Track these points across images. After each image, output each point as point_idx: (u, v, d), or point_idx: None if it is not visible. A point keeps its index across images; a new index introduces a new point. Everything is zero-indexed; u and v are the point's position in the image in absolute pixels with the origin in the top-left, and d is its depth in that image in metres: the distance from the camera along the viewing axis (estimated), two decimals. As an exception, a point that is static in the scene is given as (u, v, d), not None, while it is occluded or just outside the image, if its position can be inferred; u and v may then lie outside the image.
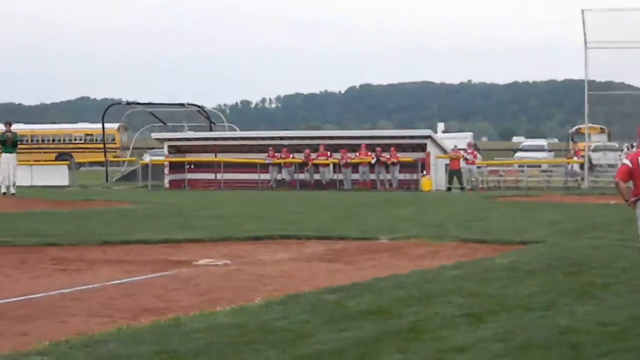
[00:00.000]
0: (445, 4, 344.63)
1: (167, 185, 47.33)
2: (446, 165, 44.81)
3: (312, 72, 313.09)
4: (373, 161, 44.73)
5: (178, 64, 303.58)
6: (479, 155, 48.47)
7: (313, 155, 45.76)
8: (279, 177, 46.72)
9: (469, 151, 45.83)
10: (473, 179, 45.23)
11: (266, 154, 46.66)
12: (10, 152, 36.61)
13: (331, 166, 45.77)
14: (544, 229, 22.46)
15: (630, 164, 13.11)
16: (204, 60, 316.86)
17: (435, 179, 44.07)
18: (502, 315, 11.09)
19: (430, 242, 20.36)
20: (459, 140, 53.86)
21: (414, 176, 44.58)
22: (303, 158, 45.95)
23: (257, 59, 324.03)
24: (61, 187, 46.51)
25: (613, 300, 12.15)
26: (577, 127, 65.47)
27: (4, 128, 38.92)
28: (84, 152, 72.89)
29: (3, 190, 36.17)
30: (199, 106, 62.36)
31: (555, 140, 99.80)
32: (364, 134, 54.31)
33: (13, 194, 36.20)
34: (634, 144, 55.58)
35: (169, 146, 49.53)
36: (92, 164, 65.94)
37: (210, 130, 57.72)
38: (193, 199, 36.85)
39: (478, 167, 46.69)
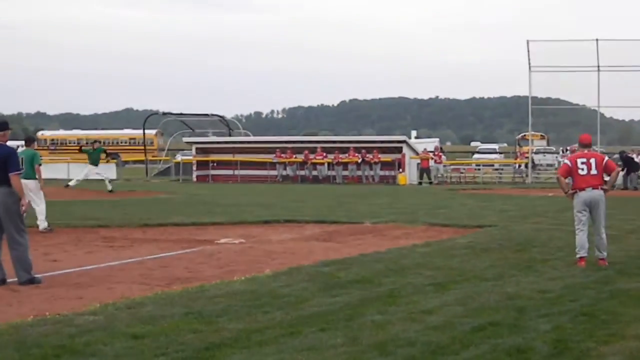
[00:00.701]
0: (419, 35, 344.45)
1: (194, 179, 47.22)
2: (417, 164, 44.70)
3: (311, 89, 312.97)
4: (359, 161, 44.67)
5: (204, 82, 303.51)
6: (444, 156, 48.41)
7: (311, 156, 45.71)
8: (284, 173, 46.66)
9: (437, 153, 45.81)
10: (439, 175, 45.16)
11: (274, 155, 46.60)
12: (95, 165, 35.10)
13: (326, 164, 45.69)
14: (496, 216, 22.44)
15: (569, 164, 13.36)
16: (225, 78, 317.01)
17: (409, 175, 44.00)
18: (462, 284, 11.09)
19: (405, 225, 20.34)
20: (428, 144, 53.81)
21: (392, 173, 44.53)
22: (303, 158, 45.90)
23: (267, 78, 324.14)
24: (110, 180, 46.41)
25: (551, 273, 12.15)
26: (522, 134, 65.30)
27: (92, 146, 37.23)
28: (128, 152, 72.68)
29: (110, 187, 34.34)
30: (220, 116, 62.15)
31: (505, 144, 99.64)
32: (352, 139, 54.25)
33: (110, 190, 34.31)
34: (568, 148, 55.67)
35: (196, 148, 49.46)
36: (135, 162, 65.73)
37: (229, 135, 57.58)
38: (215, 190, 36.80)
39: (444, 166, 46.68)
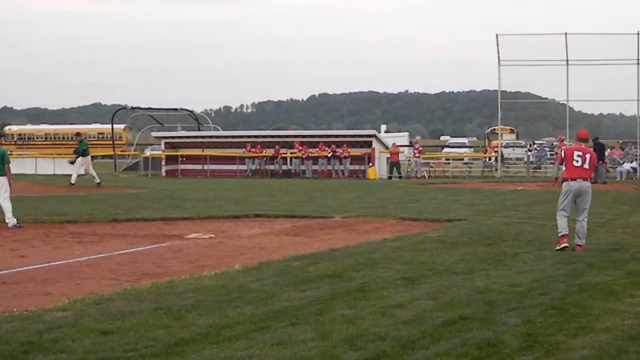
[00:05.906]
0: (388, 28, 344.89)
1: (163, 174, 47.07)
2: (387, 158, 44.78)
3: (280, 83, 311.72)
4: (329, 155, 44.71)
5: (172, 76, 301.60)
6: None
7: (283, 150, 45.67)
8: (253, 167, 46.60)
9: (417, 147, 45.77)
10: (416, 169, 45.02)
11: (244, 149, 46.55)
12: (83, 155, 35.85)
13: (300, 159, 45.63)
14: (466, 210, 22.53)
15: (563, 155, 14.59)
16: (193, 72, 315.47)
17: (378, 169, 44.08)
18: (432, 278, 11.12)
19: (375, 220, 20.38)
20: (398, 138, 53.90)
21: (362, 167, 44.60)
22: (273, 152, 45.86)
23: (236, 73, 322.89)
24: (78, 176, 46.11)
25: (520, 266, 12.22)
26: (491, 128, 65.64)
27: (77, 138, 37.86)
28: (96, 147, 72.24)
29: (97, 180, 35.54)
30: (189, 111, 61.94)
31: (475, 138, 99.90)
32: (322, 133, 54.23)
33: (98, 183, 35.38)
34: (536, 142, 56.05)
35: (165, 143, 49.31)
36: (103, 157, 65.37)
37: (199, 130, 57.39)
38: (184, 185, 36.69)
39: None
